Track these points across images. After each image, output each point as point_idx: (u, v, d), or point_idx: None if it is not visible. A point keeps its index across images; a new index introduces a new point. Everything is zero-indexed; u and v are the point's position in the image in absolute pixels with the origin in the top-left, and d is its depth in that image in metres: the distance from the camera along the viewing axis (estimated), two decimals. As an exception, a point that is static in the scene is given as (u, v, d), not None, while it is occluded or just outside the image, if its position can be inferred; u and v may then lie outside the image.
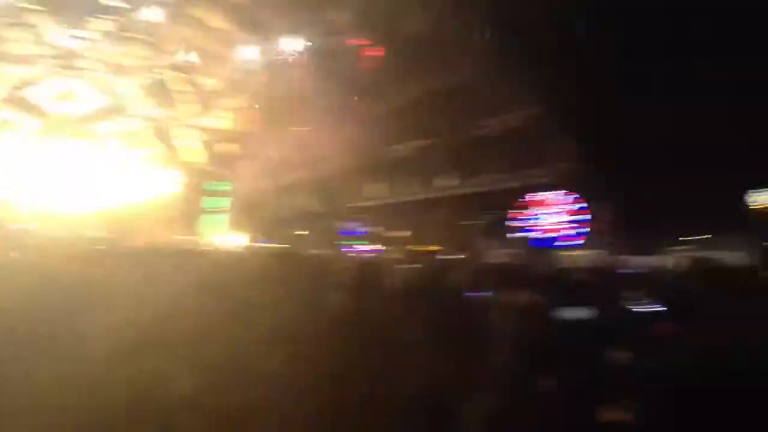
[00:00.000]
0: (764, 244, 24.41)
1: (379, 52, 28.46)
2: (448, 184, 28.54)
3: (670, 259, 20.49)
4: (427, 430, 3.14)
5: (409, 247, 22.93)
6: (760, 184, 26.34)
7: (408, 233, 28.01)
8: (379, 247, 25.25)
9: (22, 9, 25.09)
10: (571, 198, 25.54)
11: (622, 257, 19.73)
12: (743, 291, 6.85)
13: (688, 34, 21.10)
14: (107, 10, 26.86)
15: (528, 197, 26.12)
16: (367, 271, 8.32)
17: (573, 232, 25.57)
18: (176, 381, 3.12)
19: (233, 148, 29.49)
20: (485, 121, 26.33)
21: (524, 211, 26.24)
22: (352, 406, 3.03)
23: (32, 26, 25.17)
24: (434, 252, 21.76)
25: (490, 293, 6.13)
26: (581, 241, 25.17)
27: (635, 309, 6.25)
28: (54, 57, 26.22)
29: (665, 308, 5.58)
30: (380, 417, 2.98)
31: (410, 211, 29.69)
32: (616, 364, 3.90)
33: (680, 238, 23.85)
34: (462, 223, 28.13)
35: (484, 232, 27.02)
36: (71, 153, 26.81)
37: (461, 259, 15.53)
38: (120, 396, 3.06)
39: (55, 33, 25.79)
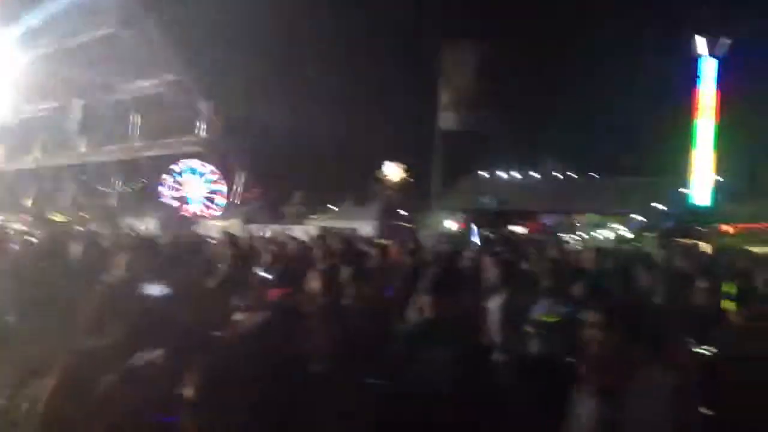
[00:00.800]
0: (395, 211, 27.01)
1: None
2: (84, 150, 26.02)
3: (303, 229, 21.53)
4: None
5: (33, 216, 20.53)
6: (387, 158, 29.06)
7: (34, 201, 25.03)
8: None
9: None
10: (211, 168, 25.28)
11: (256, 226, 20.06)
12: (356, 257, 7.26)
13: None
14: None
15: (170, 166, 25.23)
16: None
17: (212, 201, 25.36)
18: None
19: None
20: (125, 84, 24.53)
21: (165, 180, 25.30)
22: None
23: None
24: (62, 222, 19.83)
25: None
26: (220, 211, 25.10)
27: (261, 274, 6.17)
28: None
29: (282, 274, 5.60)
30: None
31: (39, 178, 26.61)
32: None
33: (323, 207, 25.11)
34: (99, 191, 26.07)
35: (124, 202, 25.44)
36: None
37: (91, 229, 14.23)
38: None
39: None
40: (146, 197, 24.36)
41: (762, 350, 3.62)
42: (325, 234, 11.83)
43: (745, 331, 4.06)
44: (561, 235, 35.63)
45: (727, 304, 4.46)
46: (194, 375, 2.49)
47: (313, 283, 4.46)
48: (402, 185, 30.31)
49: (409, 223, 27.75)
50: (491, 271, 5.83)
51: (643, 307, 4.46)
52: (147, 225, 19.83)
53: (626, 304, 4.05)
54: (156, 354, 2.88)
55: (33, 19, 22.67)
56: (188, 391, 2.44)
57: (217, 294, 5.02)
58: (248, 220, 21.31)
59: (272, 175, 21.80)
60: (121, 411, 2.65)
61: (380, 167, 29.45)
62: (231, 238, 8.63)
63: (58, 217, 21.06)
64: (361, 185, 25.69)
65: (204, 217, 23.19)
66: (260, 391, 2.41)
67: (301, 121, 21.26)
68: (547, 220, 40.27)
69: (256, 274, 6.27)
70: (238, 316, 3.65)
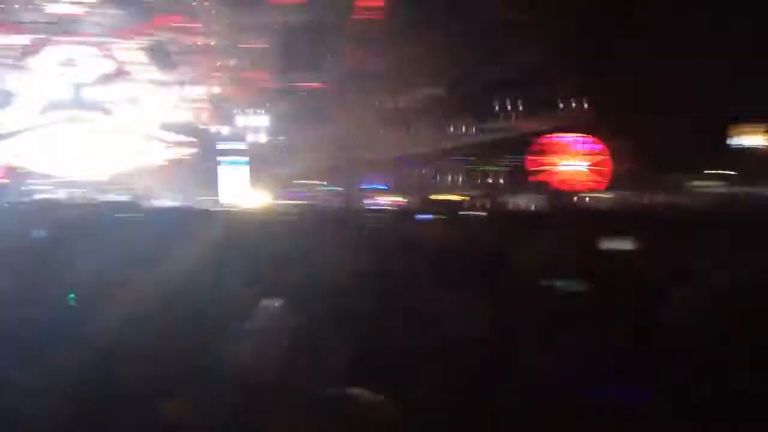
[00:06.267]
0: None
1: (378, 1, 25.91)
2: (463, 132, 26.37)
3: (694, 196, 19.14)
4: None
5: (431, 196, 19.88)
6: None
7: (427, 183, 25.99)
8: (398, 198, 22.56)
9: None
10: (588, 140, 23.97)
11: (645, 196, 18.99)
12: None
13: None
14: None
15: (545, 141, 23.82)
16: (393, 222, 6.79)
17: (592, 174, 23.94)
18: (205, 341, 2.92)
19: (243, 106, 28.14)
20: (498, 65, 23.73)
21: (542, 156, 23.88)
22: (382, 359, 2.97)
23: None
24: (457, 201, 19.14)
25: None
26: (601, 183, 23.71)
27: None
28: (52, 23, 25.33)
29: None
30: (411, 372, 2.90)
31: (427, 161, 27.50)
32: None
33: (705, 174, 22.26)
34: (480, 169, 25.60)
35: (503, 179, 24.27)
36: (80, 120, 26.95)
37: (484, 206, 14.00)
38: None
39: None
40: (522, 173, 24.05)
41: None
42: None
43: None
44: None
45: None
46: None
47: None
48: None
49: None
50: None
51: None
52: (526, 200, 19.79)
53: None
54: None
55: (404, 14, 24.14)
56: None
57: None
58: (633, 191, 20.64)
59: (653, 143, 20.63)
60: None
61: None
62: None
63: (452, 196, 20.86)
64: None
65: (584, 189, 22.54)
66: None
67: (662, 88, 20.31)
68: None
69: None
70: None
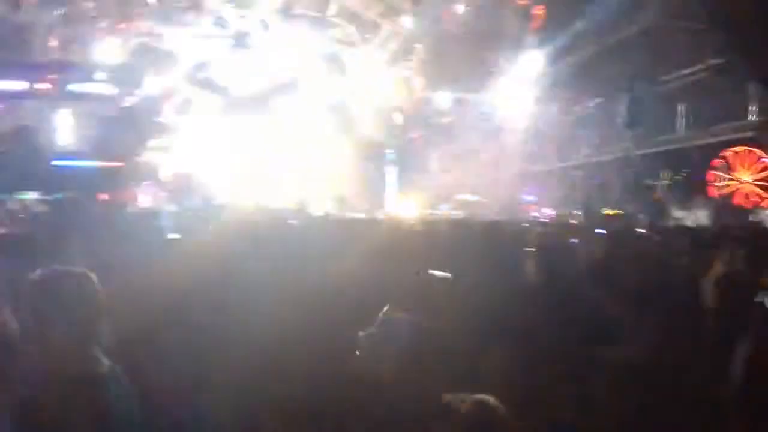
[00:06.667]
0: None
1: (540, 9, 25.66)
2: (628, 144, 26.07)
3: None
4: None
5: (591, 211, 20.87)
6: None
7: (586, 197, 25.81)
8: (559, 212, 22.76)
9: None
10: (763, 153, 21.97)
11: None
12: None
13: None
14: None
15: (719, 155, 22.30)
16: (560, 237, 6.10)
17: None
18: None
19: (404, 117, 28.85)
20: (669, 74, 24.57)
21: (716, 170, 22.36)
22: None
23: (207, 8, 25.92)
24: (619, 216, 19.95)
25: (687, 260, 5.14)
26: None
27: None
28: (228, 36, 26.88)
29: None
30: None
31: (587, 174, 27.73)
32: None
33: None
34: (646, 184, 25.18)
35: (671, 194, 24.65)
36: (252, 129, 28.31)
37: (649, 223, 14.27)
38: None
39: (228, 12, 26.43)
40: (693, 188, 24.02)
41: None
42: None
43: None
44: None
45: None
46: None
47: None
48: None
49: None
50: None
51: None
52: (696, 216, 19.98)
53: None
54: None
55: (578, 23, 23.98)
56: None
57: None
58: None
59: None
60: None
61: None
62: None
63: (608, 212, 21.59)
64: None
65: (759, 206, 22.31)
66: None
67: None
68: None
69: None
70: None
